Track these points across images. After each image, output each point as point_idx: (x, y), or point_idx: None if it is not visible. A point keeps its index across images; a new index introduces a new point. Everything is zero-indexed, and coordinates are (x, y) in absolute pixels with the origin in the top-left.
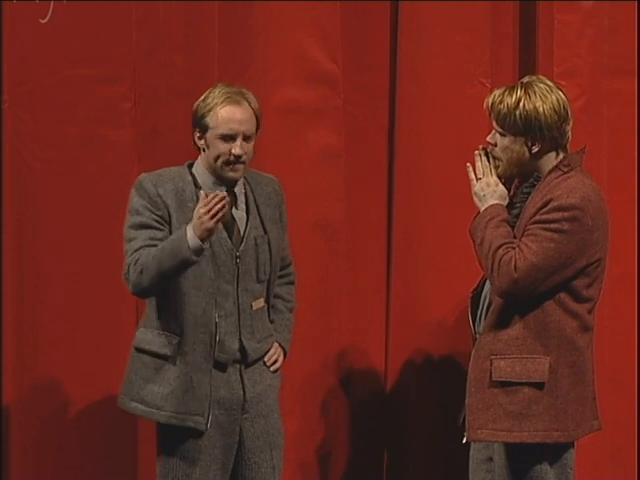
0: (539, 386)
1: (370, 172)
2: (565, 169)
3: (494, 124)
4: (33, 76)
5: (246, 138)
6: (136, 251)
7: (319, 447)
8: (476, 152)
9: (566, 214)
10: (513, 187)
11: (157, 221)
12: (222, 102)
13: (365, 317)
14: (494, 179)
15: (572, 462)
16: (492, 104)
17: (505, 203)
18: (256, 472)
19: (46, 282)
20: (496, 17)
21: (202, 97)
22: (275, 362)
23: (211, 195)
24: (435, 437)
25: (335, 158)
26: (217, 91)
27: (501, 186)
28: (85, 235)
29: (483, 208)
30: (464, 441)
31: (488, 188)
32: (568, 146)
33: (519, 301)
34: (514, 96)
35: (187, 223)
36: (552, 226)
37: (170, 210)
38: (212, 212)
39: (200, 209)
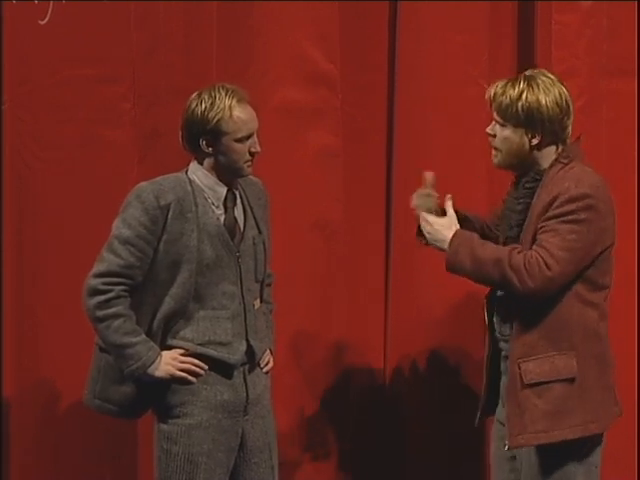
0: (570, 381)
1: (369, 172)
2: (565, 161)
3: (495, 115)
4: (33, 76)
5: (256, 133)
6: (112, 285)
7: (317, 446)
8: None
9: (580, 204)
10: (511, 184)
11: (144, 239)
12: (234, 105)
13: (364, 317)
14: (431, 217)
15: (599, 460)
16: (494, 95)
17: (456, 224)
18: (255, 472)
19: (46, 281)
20: (495, 17)
21: (202, 104)
22: (267, 364)
23: (197, 363)
24: (434, 436)
25: (334, 158)
26: (221, 93)
27: (440, 218)
28: (85, 235)
29: (447, 243)
30: (506, 448)
31: (434, 226)
32: (568, 141)
33: (540, 301)
34: (517, 88)
35: (181, 233)
36: (569, 218)
37: (168, 221)
38: (185, 369)
39: (182, 361)
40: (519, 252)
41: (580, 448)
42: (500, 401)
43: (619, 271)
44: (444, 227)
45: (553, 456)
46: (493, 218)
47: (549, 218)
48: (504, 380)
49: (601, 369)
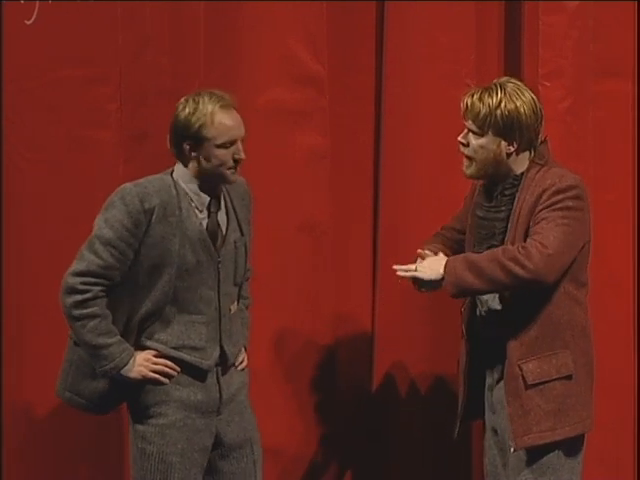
0: (568, 379)
1: (356, 173)
2: (541, 162)
3: (470, 124)
4: (19, 77)
5: (241, 140)
6: (90, 285)
7: (303, 442)
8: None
9: (569, 194)
10: (478, 189)
11: (126, 242)
12: (217, 110)
13: (352, 318)
14: (418, 263)
15: (582, 454)
16: (471, 104)
17: (443, 262)
18: (236, 467)
19: (30, 282)
20: (481, 18)
21: (186, 109)
22: (242, 362)
23: (170, 365)
24: (424, 435)
25: (321, 159)
26: (205, 99)
27: (428, 257)
28: (71, 236)
29: (442, 270)
30: (512, 450)
31: (425, 265)
32: (539, 145)
33: (547, 285)
34: (495, 97)
35: (162, 237)
36: (559, 206)
37: (151, 224)
38: (158, 370)
39: (155, 363)
40: (514, 246)
41: (569, 442)
42: (488, 407)
43: (616, 272)
44: (434, 260)
45: (542, 450)
46: (456, 222)
47: (541, 210)
48: (491, 384)
49: (589, 365)
